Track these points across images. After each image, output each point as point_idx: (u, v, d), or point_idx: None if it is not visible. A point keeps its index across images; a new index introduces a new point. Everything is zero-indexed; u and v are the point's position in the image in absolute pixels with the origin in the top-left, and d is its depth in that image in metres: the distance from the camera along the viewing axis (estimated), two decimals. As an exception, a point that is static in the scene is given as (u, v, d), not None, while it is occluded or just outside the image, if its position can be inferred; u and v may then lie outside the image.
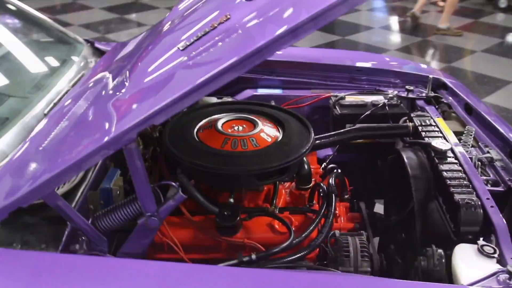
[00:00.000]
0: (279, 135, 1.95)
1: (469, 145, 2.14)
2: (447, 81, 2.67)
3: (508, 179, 1.87)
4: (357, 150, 2.46)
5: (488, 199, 1.73)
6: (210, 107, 2.20)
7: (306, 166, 2.02)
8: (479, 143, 2.15)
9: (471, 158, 2.00)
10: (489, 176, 1.94)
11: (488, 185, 1.84)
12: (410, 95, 2.62)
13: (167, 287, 1.30)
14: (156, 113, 1.32)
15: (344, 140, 2.33)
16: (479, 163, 2.02)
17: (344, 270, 1.72)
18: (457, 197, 1.71)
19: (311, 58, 2.92)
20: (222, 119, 2.02)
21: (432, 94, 2.61)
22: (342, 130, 2.33)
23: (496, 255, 1.53)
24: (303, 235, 1.76)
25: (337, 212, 2.01)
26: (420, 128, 2.19)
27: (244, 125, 1.99)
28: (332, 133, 2.31)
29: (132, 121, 1.33)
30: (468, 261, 1.54)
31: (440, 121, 2.30)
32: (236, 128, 1.97)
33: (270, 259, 1.70)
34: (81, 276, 1.31)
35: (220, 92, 2.77)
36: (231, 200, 1.80)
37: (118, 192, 1.79)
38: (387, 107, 2.46)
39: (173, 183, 1.60)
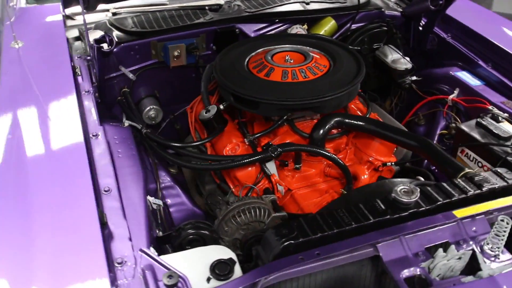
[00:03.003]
0: (310, 78, 2.01)
1: (500, 241, 1.54)
2: None
3: None
4: None
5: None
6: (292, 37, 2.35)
7: (321, 132, 1.96)
8: None
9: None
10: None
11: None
12: None
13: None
14: None
15: (404, 144, 1.97)
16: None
17: (217, 213, 1.81)
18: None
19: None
20: (279, 49, 2.15)
21: None
22: (412, 134, 1.96)
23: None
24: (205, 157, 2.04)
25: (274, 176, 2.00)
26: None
27: (292, 59, 2.09)
28: (400, 129, 1.99)
29: None
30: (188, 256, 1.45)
31: None
32: (286, 58, 2.09)
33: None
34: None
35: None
36: (221, 106, 2.03)
37: (176, 53, 2.33)
38: None
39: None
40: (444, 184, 1.61)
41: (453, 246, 1.45)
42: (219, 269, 1.37)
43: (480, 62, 2.40)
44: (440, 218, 1.50)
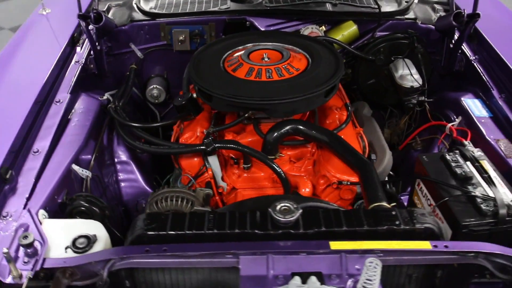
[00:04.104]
0: (273, 78, 1.97)
1: (371, 285, 1.46)
2: None
3: None
4: None
5: None
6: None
7: (274, 135, 1.93)
8: None
9: None
10: None
11: None
12: None
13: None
14: None
15: (348, 163, 1.85)
16: None
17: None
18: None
19: None
20: (258, 46, 2.12)
21: None
22: (359, 156, 1.84)
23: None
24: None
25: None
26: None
27: (269, 58, 2.07)
28: (349, 147, 1.86)
29: None
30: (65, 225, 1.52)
31: None
32: (264, 56, 2.09)
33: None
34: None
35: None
36: (194, 95, 2.08)
37: (181, 38, 2.47)
38: None
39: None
40: (340, 212, 1.49)
41: (313, 278, 1.36)
42: (79, 242, 1.45)
43: (494, 92, 2.12)
44: (314, 245, 1.41)
